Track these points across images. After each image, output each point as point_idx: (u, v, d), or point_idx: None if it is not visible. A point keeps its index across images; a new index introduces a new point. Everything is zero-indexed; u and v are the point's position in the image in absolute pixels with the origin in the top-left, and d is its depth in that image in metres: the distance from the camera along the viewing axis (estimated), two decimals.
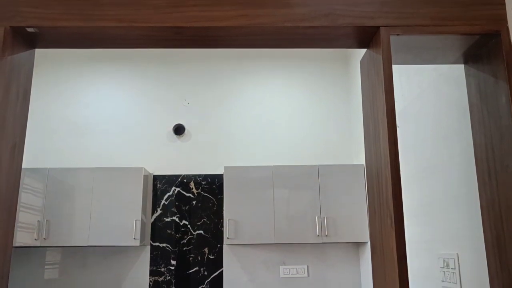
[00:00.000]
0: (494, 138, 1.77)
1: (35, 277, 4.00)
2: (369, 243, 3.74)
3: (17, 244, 3.72)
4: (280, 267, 4.03)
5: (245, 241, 3.78)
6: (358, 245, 4.07)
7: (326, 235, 3.72)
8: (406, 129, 2.76)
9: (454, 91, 2.20)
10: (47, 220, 3.75)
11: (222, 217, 4.07)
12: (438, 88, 2.40)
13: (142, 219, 3.88)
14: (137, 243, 3.74)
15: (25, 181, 3.80)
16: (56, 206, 3.79)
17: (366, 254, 3.82)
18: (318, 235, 3.71)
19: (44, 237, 3.71)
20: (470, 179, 2.08)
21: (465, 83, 1.95)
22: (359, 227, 3.76)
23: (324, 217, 3.75)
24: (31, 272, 4.01)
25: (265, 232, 3.74)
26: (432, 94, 2.47)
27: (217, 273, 4.02)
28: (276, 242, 3.76)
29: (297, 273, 4.02)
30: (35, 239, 3.71)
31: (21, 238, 3.68)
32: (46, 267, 4.02)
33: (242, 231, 3.74)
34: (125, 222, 3.76)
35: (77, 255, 4.05)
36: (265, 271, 4.02)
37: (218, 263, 4.04)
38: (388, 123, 1.66)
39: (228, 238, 3.73)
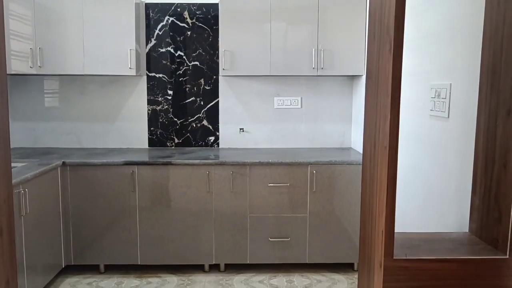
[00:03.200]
0: None
1: (36, 104, 4.11)
2: (363, 76, 3.79)
3: (12, 72, 3.72)
4: (275, 98, 4.14)
5: (240, 72, 3.79)
6: (353, 78, 4.12)
7: (322, 68, 3.73)
8: None
9: None
10: (39, 48, 3.69)
11: (217, 49, 4.02)
12: None
13: (136, 49, 3.83)
14: (133, 72, 3.75)
15: (11, 7, 3.63)
16: (47, 34, 3.69)
17: (360, 87, 3.89)
18: (313, 68, 3.73)
19: (39, 65, 3.70)
20: (475, 9, 2.01)
21: None
22: (355, 61, 3.75)
23: (321, 50, 3.71)
24: (31, 100, 4.10)
25: (260, 64, 3.74)
26: None
27: (213, 103, 4.14)
28: (271, 74, 3.78)
29: (290, 104, 4.14)
30: (31, 67, 3.70)
31: (16, 66, 3.66)
32: (45, 95, 4.10)
33: (237, 62, 3.74)
34: (119, 51, 3.71)
35: (75, 83, 4.10)
36: (260, 102, 4.13)
37: (214, 93, 4.12)
38: None
39: (223, 69, 3.74)
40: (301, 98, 4.14)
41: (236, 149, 4.09)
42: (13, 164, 3.33)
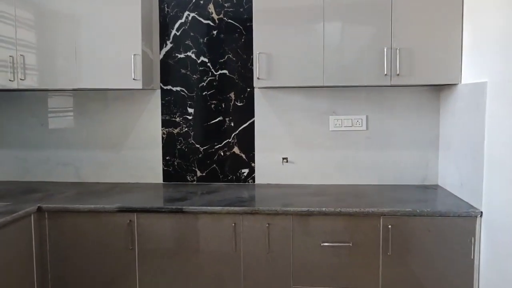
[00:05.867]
0: None
1: (26, 127, 3.26)
2: (459, 86, 2.62)
3: None
4: (330, 117, 3.05)
5: (282, 82, 2.75)
6: (441, 89, 2.95)
7: (398, 75, 2.61)
8: None
9: None
10: (21, 55, 2.84)
11: (252, 53, 3.00)
12: None
13: (146, 54, 2.89)
14: (139, 85, 2.81)
15: None
16: (31, 37, 2.84)
17: (452, 101, 2.73)
18: (385, 75, 2.62)
19: (20, 77, 2.85)
20: None
21: None
22: (447, 64, 2.61)
23: (396, 49, 2.60)
24: (21, 122, 3.26)
25: (310, 71, 2.69)
26: None
27: (246, 124, 3.11)
28: (325, 85, 2.72)
29: (351, 125, 3.04)
30: (11, 80, 2.85)
31: None
32: (36, 116, 3.24)
33: (277, 69, 2.70)
34: (119, 57, 2.79)
35: (71, 101, 3.22)
36: (309, 123, 3.06)
37: (248, 111, 3.10)
38: None
39: (258, 78, 2.72)
40: (366, 116, 3.03)
41: (277, 187, 3.03)
42: None
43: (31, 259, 2.50)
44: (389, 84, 2.64)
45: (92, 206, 2.55)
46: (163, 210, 2.51)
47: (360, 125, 3.03)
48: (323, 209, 2.42)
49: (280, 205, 2.49)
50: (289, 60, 2.69)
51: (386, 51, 2.60)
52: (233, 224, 2.47)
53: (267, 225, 2.45)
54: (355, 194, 2.76)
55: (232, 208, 2.47)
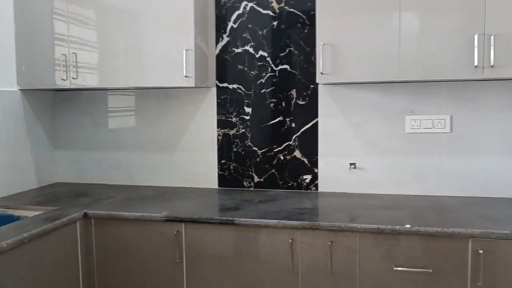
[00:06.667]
0: None
1: (80, 128, 3.16)
2: None
3: (43, 86, 2.82)
4: (406, 117, 2.64)
5: (350, 78, 2.40)
6: None
7: (492, 66, 2.16)
8: None
9: None
10: (73, 53, 2.73)
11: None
12: None
13: (200, 50, 2.66)
14: (191, 83, 2.58)
15: None
16: (84, 34, 2.71)
17: None
18: (475, 66, 2.18)
19: (73, 76, 2.73)
20: None
21: None
22: None
23: (490, 36, 2.15)
24: (75, 122, 3.17)
25: (383, 63, 2.31)
26: None
27: (309, 125, 2.78)
28: (400, 80, 2.33)
29: (432, 126, 2.61)
30: (63, 79, 2.74)
31: (51, 77, 2.75)
32: (90, 117, 3.14)
33: (345, 63, 2.36)
34: (171, 53, 2.58)
35: (125, 100, 3.07)
36: (382, 124, 2.67)
37: (311, 111, 2.77)
38: None
39: (322, 73, 2.38)
40: (451, 116, 2.58)
41: (343, 196, 2.68)
42: (23, 213, 2.40)
43: (76, 267, 2.36)
44: (480, 77, 2.20)
45: (139, 214, 2.35)
46: (213, 221, 2.26)
47: (443, 126, 2.59)
48: (397, 227, 2.04)
49: (345, 220, 2.14)
50: (357, 52, 2.33)
51: (477, 39, 2.16)
52: (290, 240, 2.16)
53: (329, 242, 2.11)
54: (436, 209, 2.34)
55: (289, 222, 2.16)
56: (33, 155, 2.98)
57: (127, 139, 3.08)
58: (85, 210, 2.41)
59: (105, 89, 3.00)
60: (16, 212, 2.48)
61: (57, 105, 3.18)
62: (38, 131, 3.03)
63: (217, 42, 2.87)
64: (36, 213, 2.41)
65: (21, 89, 2.85)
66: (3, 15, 2.74)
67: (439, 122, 2.58)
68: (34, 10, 2.76)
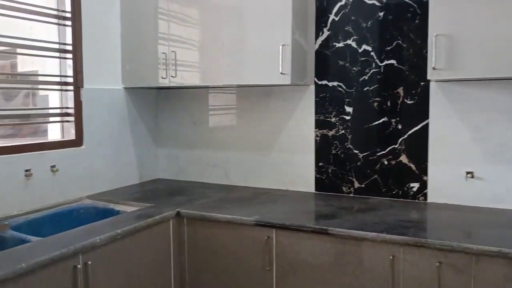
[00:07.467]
0: None
1: (179, 126, 3.20)
2: None
3: (144, 85, 2.89)
4: None
5: (468, 73, 2.06)
6: None
7: None
8: None
9: None
10: (172, 51, 2.75)
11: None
12: None
13: (297, 45, 2.51)
14: (287, 80, 2.44)
15: None
16: (181, 32, 2.72)
17: None
18: None
19: (172, 74, 2.75)
20: None
21: None
22: None
23: None
24: (175, 120, 3.21)
25: (511, 57, 1.95)
26: None
27: (418, 127, 2.48)
28: None
29: None
30: (163, 77, 2.78)
31: (151, 76, 2.81)
32: (188, 115, 3.16)
33: (463, 56, 2.03)
34: (265, 48, 2.46)
35: (221, 98, 3.03)
36: (508, 127, 2.28)
37: (421, 111, 2.47)
38: None
39: (435, 69, 2.09)
40: None
41: (457, 209, 2.33)
42: (122, 208, 2.46)
43: (168, 265, 2.36)
44: None
45: (229, 216, 2.27)
46: (305, 229, 2.09)
47: None
48: None
49: (458, 238, 1.84)
50: (478, 43, 2.00)
51: None
52: (391, 257, 1.91)
53: (437, 263, 1.83)
54: None
55: (390, 236, 1.92)
56: (136, 151, 3.08)
57: (225, 138, 3.04)
58: (178, 209, 2.39)
59: (206, 87, 2.99)
60: (117, 207, 2.55)
61: (159, 103, 3.26)
62: (141, 128, 3.13)
63: (316, 37, 2.69)
64: (133, 209, 2.46)
65: (125, 88, 2.95)
66: (110, 18, 2.85)
67: None
68: (140, 10, 2.84)
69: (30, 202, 2.37)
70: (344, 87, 2.64)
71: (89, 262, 1.87)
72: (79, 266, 1.83)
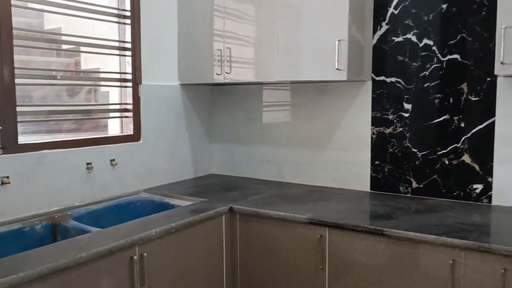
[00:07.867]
0: None
1: (234, 122, 3.22)
2: None
3: (200, 81, 2.93)
4: None
5: None
6: None
7: None
8: None
9: None
10: (227, 48, 2.76)
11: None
12: None
13: (354, 40, 2.45)
14: (343, 76, 2.38)
15: None
16: (236, 29, 2.72)
17: None
18: None
19: (226, 71, 2.77)
20: None
21: None
22: None
23: None
24: (230, 116, 3.24)
25: None
26: None
27: (483, 125, 2.35)
28: None
29: None
30: (218, 74, 2.80)
31: (207, 72, 2.85)
32: (242, 110, 3.17)
33: None
34: (322, 45, 2.42)
35: (275, 95, 3.01)
36: None
37: (486, 109, 2.33)
38: None
39: (503, 63, 1.96)
40: None
41: None
42: (177, 202, 2.51)
43: (221, 260, 2.38)
44: None
45: (282, 213, 2.26)
46: (359, 229, 2.04)
47: None
48: None
49: None
50: None
51: None
52: (451, 261, 1.82)
53: (502, 270, 1.72)
54: None
55: (450, 240, 1.82)
56: (191, 147, 3.13)
57: (279, 134, 3.02)
58: (231, 205, 2.41)
59: (261, 83, 2.99)
60: (172, 201, 2.61)
61: (214, 99, 3.29)
62: (196, 124, 3.18)
63: (374, 31, 2.61)
64: (188, 203, 2.50)
65: (181, 84, 3.01)
66: (167, 16, 2.91)
67: None
68: (196, 8, 2.87)
69: (90, 194, 2.47)
70: (403, 83, 2.55)
71: (145, 254, 1.92)
72: (135, 257, 1.89)
